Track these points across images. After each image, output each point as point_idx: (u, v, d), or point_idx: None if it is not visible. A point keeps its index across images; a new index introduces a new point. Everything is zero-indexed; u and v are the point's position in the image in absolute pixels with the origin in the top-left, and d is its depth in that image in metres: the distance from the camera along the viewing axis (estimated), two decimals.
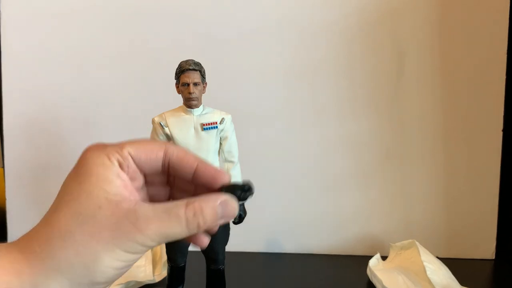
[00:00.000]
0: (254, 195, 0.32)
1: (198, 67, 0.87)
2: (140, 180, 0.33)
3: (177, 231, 0.29)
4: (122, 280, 1.07)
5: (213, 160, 0.90)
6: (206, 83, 0.90)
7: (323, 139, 1.26)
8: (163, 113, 0.90)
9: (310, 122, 1.26)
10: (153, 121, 0.90)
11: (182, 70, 0.87)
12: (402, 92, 1.24)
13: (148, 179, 0.35)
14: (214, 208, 0.30)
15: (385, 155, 1.26)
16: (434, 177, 1.26)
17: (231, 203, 0.31)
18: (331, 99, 1.25)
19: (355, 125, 1.25)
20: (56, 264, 0.27)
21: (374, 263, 1.13)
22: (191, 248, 0.95)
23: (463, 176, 1.24)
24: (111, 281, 0.30)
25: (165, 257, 1.08)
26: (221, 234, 0.92)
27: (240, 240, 1.25)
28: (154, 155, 0.32)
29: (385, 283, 1.00)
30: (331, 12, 1.22)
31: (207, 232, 0.33)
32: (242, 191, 0.31)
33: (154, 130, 0.90)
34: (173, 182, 0.36)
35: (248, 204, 0.98)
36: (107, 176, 0.30)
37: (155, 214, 0.29)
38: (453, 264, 1.06)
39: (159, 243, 0.30)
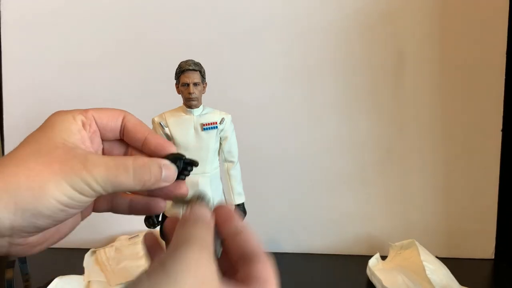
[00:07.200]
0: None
1: (198, 67, 0.87)
2: (99, 144, 0.36)
3: (124, 180, 0.31)
4: (123, 279, 1.07)
5: (213, 160, 0.90)
6: (206, 83, 0.90)
7: (323, 139, 1.27)
8: (163, 113, 0.90)
9: (309, 122, 1.26)
10: (153, 121, 0.90)
11: (182, 70, 0.87)
12: (401, 92, 1.24)
13: (106, 148, 0.37)
14: (160, 166, 0.33)
15: (384, 155, 1.26)
16: (434, 177, 1.26)
17: (171, 168, 0.34)
18: (331, 99, 1.25)
19: (355, 125, 1.26)
20: (5, 185, 0.29)
21: (374, 263, 1.13)
22: None
23: (463, 176, 1.25)
24: (55, 219, 0.31)
25: None
26: None
27: None
28: (114, 120, 0.36)
29: (384, 283, 1.00)
30: (330, 12, 1.22)
31: (150, 192, 0.36)
32: (182, 162, 0.35)
33: (154, 130, 0.90)
34: (130, 154, 0.38)
35: (248, 204, 0.99)
36: (68, 128, 0.33)
37: (104, 162, 0.31)
38: (453, 264, 1.06)
39: (106, 191, 0.31)
